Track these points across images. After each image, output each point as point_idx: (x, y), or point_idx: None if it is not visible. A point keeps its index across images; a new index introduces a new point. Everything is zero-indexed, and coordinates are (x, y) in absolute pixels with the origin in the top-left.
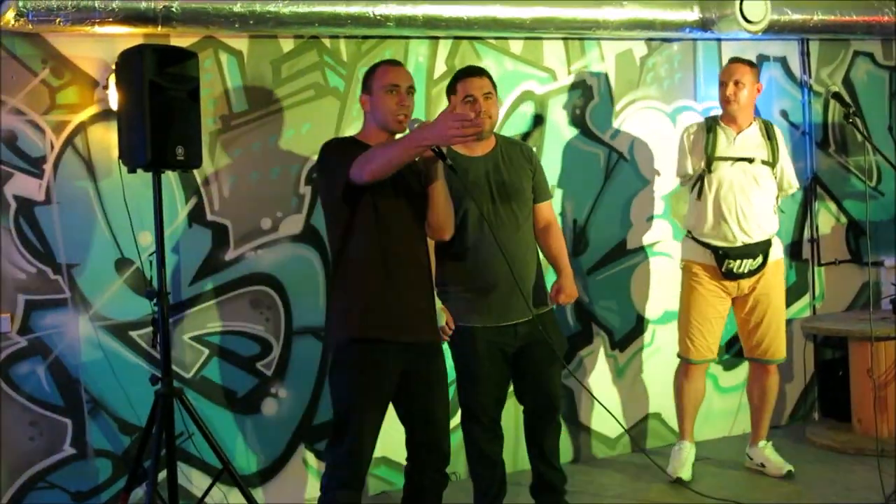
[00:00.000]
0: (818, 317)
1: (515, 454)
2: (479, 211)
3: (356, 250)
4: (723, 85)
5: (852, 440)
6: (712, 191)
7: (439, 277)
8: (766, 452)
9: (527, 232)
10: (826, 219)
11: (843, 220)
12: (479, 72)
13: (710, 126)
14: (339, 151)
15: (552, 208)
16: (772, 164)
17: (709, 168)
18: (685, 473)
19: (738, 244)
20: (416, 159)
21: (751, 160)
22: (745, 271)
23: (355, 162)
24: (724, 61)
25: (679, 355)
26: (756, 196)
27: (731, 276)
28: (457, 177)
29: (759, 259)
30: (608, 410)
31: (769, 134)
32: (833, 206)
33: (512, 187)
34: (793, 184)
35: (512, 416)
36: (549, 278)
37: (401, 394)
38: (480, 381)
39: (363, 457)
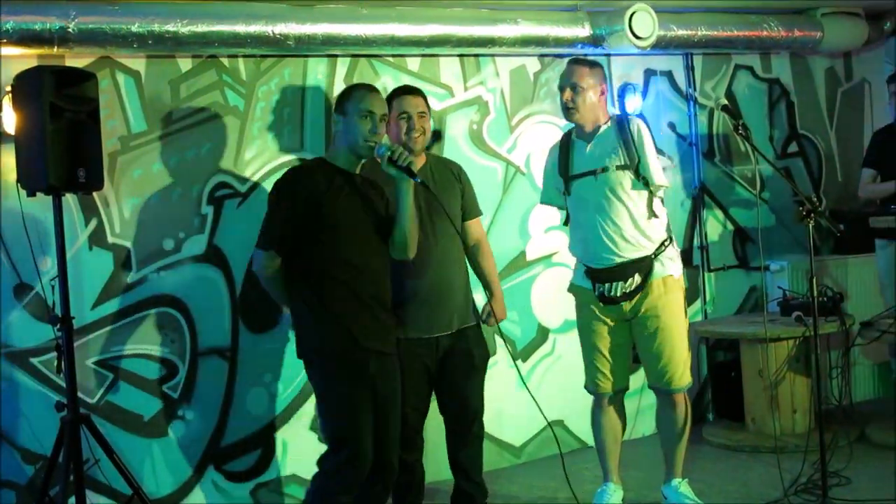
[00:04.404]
0: (711, 321)
1: (439, 463)
2: None
3: (323, 264)
4: (560, 90)
5: (746, 438)
6: (574, 212)
7: None
8: (682, 491)
9: (452, 248)
10: (714, 226)
11: (730, 226)
12: (414, 91)
13: (564, 142)
14: (273, 207)
15: (481, 225)
16: (629, 166)
17: (567, 189)
18: None
19: (610, 265)
20: (387, 177)
21: (602, 170)
22: (619, 294)
23: (258, 261)
24: (614, 76)
25: (584, 386)
26: (617, 208)
27: (606, 300)
28: (429, 192)
29: (636, 279)
30: (550, 425)
31: (622, 132)
32: (720, 214)
33: (440, 204)
34: (655, 180)
35: (436, 425)
36: None
37: None
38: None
39: (365, 460)
